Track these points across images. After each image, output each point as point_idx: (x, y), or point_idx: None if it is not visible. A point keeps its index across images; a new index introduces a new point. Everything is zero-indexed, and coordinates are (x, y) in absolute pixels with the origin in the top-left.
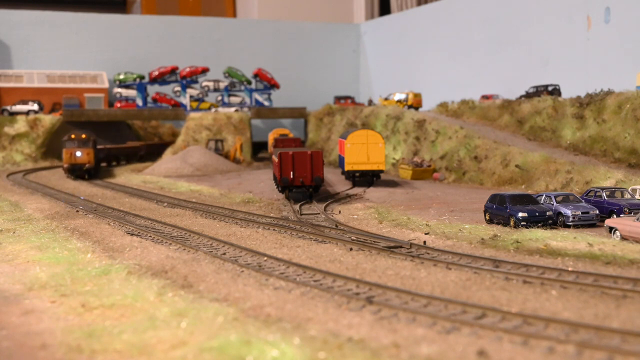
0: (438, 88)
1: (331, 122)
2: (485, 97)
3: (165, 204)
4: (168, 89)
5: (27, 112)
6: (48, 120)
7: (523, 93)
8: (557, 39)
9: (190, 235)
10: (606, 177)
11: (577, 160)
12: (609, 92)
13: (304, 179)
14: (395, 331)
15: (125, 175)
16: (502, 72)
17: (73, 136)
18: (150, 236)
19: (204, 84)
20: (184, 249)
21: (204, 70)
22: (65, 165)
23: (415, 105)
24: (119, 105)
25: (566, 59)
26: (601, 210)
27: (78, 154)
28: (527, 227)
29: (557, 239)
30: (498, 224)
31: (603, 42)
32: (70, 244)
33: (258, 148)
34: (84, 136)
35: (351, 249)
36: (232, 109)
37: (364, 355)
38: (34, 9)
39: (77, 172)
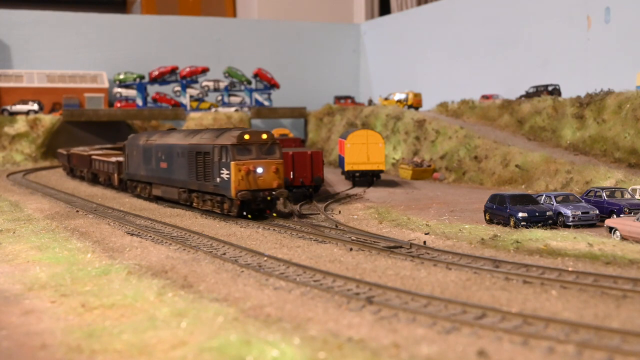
0: (438, 88)
1: (331, 122)
2: (485, 97)
3: (165, 204)
4: (168, 89)
5: (27, 112)
6: (48, 120)
7: (523, 93)
8: (557, 39)
9: (190, 235)
10: (606, 177)
11: (577, 160)
12: (609, 92)
13: (304, 179)
14: (395, 331)
15: None
16: (502, 72)
17: (247, 137)
18: (150, 236)
19: (204, 84)
20: (184, 249)
21: (204, 70)
22: (236, 192)
23: (415, 105)
24: (119, 105)
25: (566, 59)
26: (601, 210)
27: (259, 170)
28: (527, 227)
29: (557, 239)
30: (498, 224)
31: (603, 42)
32: (70, 244)
33: None
34: (264, 137)
35: (351, 249)
36: (232, 109)
37: (364, 355)
38: (34, 9)
39: (259, 203)
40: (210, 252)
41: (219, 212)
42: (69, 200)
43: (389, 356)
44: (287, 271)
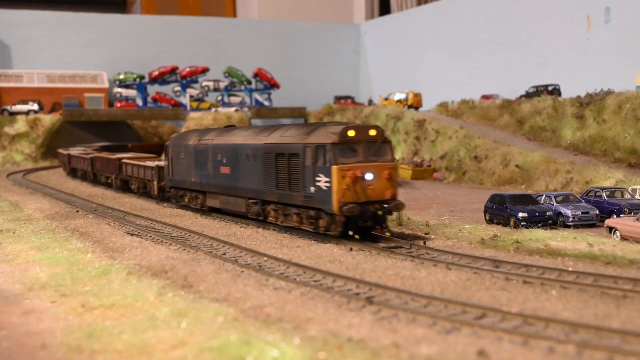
0: (438, 88)
1: (331, 121)
2: (485, 97)
3: (166, 204)
4: (168, 89)
5: (27, 112)
6: (48, 120)
7: (523, 93)
8: (557, 39)
9: (190, 235)
10: (606, 177)
11: (577, 160)
12: (609, 92)
13: None
14: (395, 331)
15: None
16: (502, 72)
17: (352, 133)
18: (150, 236)
19: (204, 84)
20: (184, 249)
21: (204, 70)
22: (339, 205)
23: (415, 105)
24: (119, 105)
25: (566, 59)
26: (601, 210)
27: (369, 177)
28: (527, 227)
29: (557, 239)
30: (498, 224)
31: (603, 42)
32: (70, 244)
33: None
34: (373, 133)
35: (351, 249)
36: (232, 109)
37: (364, 355)
38: (34, 9)
39: (367, 220)
40: (210, 252)
41: (310, 229)
42: (69, 200)
43: (389, 356)
44: (287, 271)
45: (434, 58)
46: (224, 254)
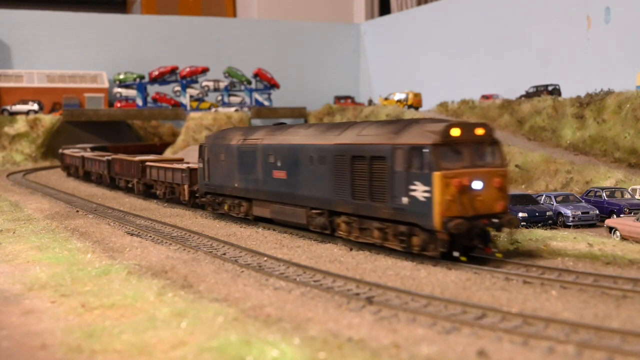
0: (438, 88)
1: (331, 122)
2: (485, 97)
3: (165, 204)
4: (168, 89)
5: (27, 112)
6: (48, 120)
7: (523, 93)
8: (557, 39)
9: (190, 235)
10: (606, 177)
11: (577, 160)
12: (609, 92)
13: None
14: (395, 331)
15: None
16: (502, 72)
17: (457, 132)
18: (150, 236)
19: (204, 84)
20: (184, 249)
21: (204, 70)
22: (443, 219)
23: (415, 105)
24: (119, 105)
25: (566, 59)
26: (601, 210)
27: (478, 185)
28: (527, 227)
29: (557, 239)
30: None
31: (603, 42)
32: (70, 244)
33: None
34: (480, 131)
35: (351, 249)
36: (232, 109)
37: (364, 355)
38: (34, 9)
39: (473, 237)
40: (210, 252)
41: (398, 248)
42: (69, 200)
43: (389, 356)
44: (287, 271)
45: (434, 58)
46: (224, 254)
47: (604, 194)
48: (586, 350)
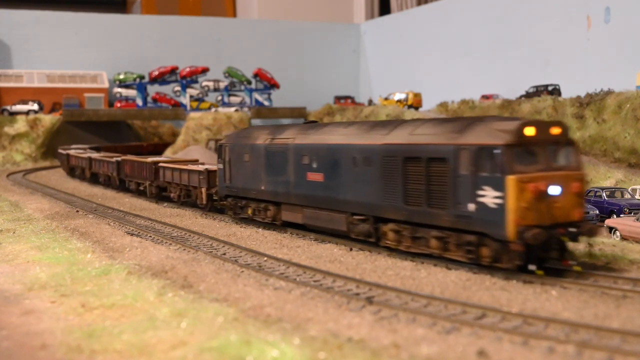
0: (438, 88)
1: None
2: (485, 97)
3: (166, 204)
4: (168, 89)
5: (27, 112)
6: (48, 120)
7: (523, 93)
8: (557, 39)
9: (190, 235)
10: (606, 177)
11: None
12: (609, 92)
13: None
14: (395, 331)
15: None
16: (502, 72)
17: (532, 131)
18: (150, 236)
19: (204, 84)
20: (184, 249)
21: (204, 70)
22: (518, 229)
23: (415, 105)
24: (119, 105)
25: (566, 59)
26: (601, 210)
27: (555, 191)
28: None
29: None
30: None
31: (603, 42)
32: (70, 244)
33: None
34: (557, 130)
35: (351, 249)
36: (232, 109)
37: (364, 355)
38: (34, 9)
39: (548, 248)
40: (210, 252)
41: (463, 260)
42: (69, 200)
43: (389, 356)
44: (287, 271)
45: (434, 58)
46: (224, 254)
47: (604, 194)
48: (586, 350)
